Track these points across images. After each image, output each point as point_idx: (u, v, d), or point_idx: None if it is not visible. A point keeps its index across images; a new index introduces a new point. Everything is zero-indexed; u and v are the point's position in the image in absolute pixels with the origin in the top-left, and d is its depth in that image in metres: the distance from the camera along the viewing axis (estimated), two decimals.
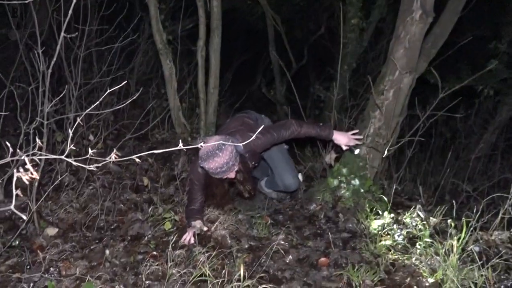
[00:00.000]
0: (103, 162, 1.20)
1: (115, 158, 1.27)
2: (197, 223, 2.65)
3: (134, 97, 2.69)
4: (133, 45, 5.10)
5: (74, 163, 1.24)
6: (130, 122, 4.18)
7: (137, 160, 1.23)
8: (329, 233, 2.76)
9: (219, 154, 2.40)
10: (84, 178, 3.06)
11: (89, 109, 1.52)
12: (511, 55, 4.63)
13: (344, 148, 2.93)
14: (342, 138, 2.86)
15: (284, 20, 6.99)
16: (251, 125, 2.89)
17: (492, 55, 4.62)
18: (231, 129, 2.79)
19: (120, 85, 1.71)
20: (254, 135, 1.94)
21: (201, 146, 1.25)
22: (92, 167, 1.23)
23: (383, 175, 3.61)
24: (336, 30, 6.62)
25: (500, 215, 2.73)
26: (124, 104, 2.60)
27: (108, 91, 1.58)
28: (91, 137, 3.62)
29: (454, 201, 2.69)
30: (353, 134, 2.92)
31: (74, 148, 1.27)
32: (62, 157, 1.22)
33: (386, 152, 3.11)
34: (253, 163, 2.82)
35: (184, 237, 2.58)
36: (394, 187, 3.14)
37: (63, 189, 2.96)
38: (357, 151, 3.11)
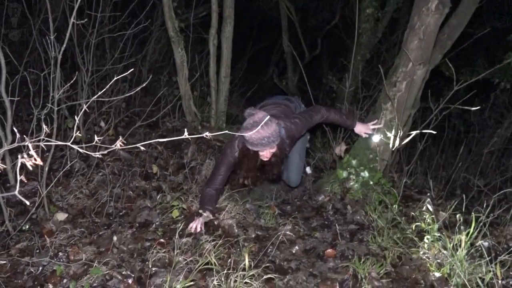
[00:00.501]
0: (109, 150, 1.20)
1: (121, 145, 1.27)
2: (207, 214, 2.66)
3: (144, 84, 2.68)
4: (146, 32, 5.10)
5: (80, 149, 1.25)
6: (141, 109, 4.19)
7: (142, 148, 1.23)
8: (337, 225, 2.75)
9: (264, 127, 2.45)
10: (94, 164, 3.09)
11: (96, 96, 1.52)
12: None
13: (364, 136, 3.11)
14: (362, 128, 3.07)
15: (298, 9, 6.92)
16: (288, 114, 2.92)
17: (510, 48, 4.50)
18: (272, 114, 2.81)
19: (129, 72, 1.71)
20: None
21: (206, 135, 1.24)
22: (97, 154, 1.23)
23: (394, 167, 3.57)
24: (350, 20, 6.53)
25: (511, 210, 2.69)
26: (135, 91, 2.62)
27: (116, 77, 1.58)
28: (102, 124, 3.65)
29: (464, 196, 2.65)
30: (374, 124, 3.11)
31: (80, 135, 1.28)
32: (69, 143, 1.23)
33: (396, 145, 3.07)
34: (288, 149, 2.87)
35: (191, 225, 2.60)
36: (404, 180, 3.11)
37: (73, 175, 2.99)
38: (376, 138, 3.10)
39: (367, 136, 3.10)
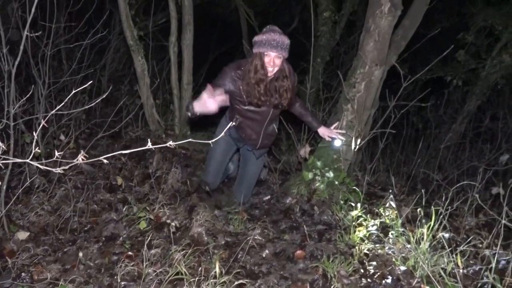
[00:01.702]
0: (71, 164, 1.18)
1: (83, 159, 1.25)
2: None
3: (105, 95, 2.64)
4: (104, 41, 5.00)
5: (40, 166, 1.22)
6: (103, 120, 4.10)
7: (105, 161, 1.22)
8: (305, 226, 2.79)
9: (276, 32, 2.59)
10: (55, 179, 3.00)
11: (55, 110, 1.48)
12: (478, 46, 4.75)
13: (327, 139, 3.21)
14: (326, 132, 3.18)
15: (258, 13, 6.98)
16: None
17: (460, 46, 4.73)
18: None
19: (88, 84, 1.68)
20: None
21: (170, 144, 1.24)
22: (59, 170, 1.21)
23: (357, 166, 3.66)
24: (309, 23, 6.64)
25: (468, 202, 2.82)
26: (96, 103, 2.56)
27: (74, 91, 1.55)
28: (62, 137, 3.53)
29: (423, 190, 2.75)
30: (336, 130, 3.21)
31: (39, 150, 1.24)
32: (28, 160, 1.19)
33: (358, 144, 3.16)
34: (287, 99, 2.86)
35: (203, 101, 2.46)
36: (367, 178, 3.20)
37: (33, 192, 2.88)
38: (337, 143, 3.17)
39: (329, 140, 3.20)
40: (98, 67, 4.83)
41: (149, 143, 1.21)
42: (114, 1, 4.40)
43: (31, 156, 1.25)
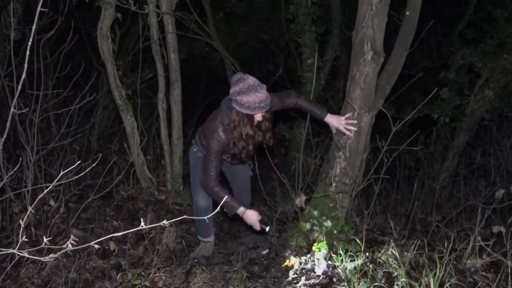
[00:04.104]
0: (60, 253, 1.12)
1: (72, 244, 1.20)
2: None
3: (96, 162, 2.59)
4: (93, 101, 5.01)
5: (28, 255, 1.16)
6: (94, 181, 4.02)
7: (96, 246, 1.16)
8: (307, 281, 2.70)
9: (260, 90, 2.51)
10: (46, 249, 2.89)
11: (46, 191, 1.44)
12: (461, 83, 4.86)
13: (334, 131, 3.11)
14: (334, 121, 3.07)
15: (243, 63, 7.13)
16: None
17: (443, 84, 4.83)
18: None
19: (76, 165, 1.64)
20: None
21: (164, 223, 1.20)
22: (47, 259, 1.15)
23: (354, 212, 3.61)
24: (294, 70, 6.79)
25: (471, 244, 2.77)
26: (86, 163, 2.51)
27: (63, 172, 1.51)
28: (51, 202, 3.45)
29: (425, 232, 2.70)
30: (347, 121, 3.07)
31: (27, 218, 1.19)
32: (14, 251, 1.14)
33: (354, 191, 3.14)
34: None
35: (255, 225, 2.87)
36: (365, 225, 3.15)
37: (23, 264, 2.77)
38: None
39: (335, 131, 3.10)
40: (87, 127, 4.81)
41: (142, 223, 1.17)
42: (102, 62, 4.46)
43: (18, 246, 1.19)
